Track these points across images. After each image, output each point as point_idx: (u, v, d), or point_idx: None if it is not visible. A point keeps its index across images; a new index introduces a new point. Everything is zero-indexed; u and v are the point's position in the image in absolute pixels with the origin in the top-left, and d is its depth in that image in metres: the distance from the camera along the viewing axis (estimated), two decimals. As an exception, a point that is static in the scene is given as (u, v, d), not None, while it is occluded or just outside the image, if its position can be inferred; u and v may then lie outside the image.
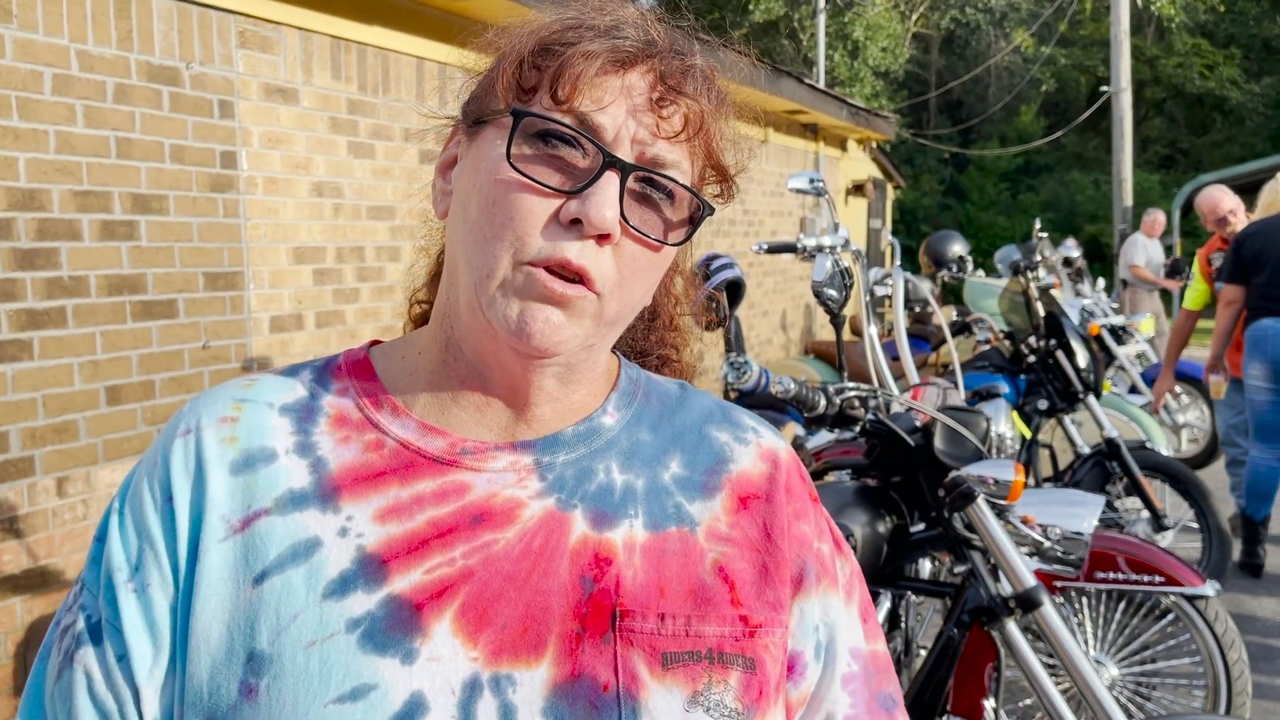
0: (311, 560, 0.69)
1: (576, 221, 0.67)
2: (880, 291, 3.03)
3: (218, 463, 0.71)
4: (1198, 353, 13.09)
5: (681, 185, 0.71)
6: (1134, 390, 5.62)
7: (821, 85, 10.76)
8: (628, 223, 0.69)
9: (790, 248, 2.58)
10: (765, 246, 2.72)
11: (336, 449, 0.73)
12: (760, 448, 0.82)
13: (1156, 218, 9.88)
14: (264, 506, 0.70)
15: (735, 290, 2.57)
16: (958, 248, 4.24)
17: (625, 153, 0.69)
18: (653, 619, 0.70)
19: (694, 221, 0.74)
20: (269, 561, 0.69)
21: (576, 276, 0.68)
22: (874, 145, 11.18)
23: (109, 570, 0.70)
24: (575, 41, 0.69)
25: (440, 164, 0.79)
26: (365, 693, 0.65)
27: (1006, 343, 4.23)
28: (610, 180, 0.67)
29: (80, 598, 0.72)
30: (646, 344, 0.93)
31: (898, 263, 2.93)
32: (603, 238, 0.68)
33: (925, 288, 2.99)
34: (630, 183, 0.70)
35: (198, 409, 0.75)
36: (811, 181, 2.52)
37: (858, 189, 10.47)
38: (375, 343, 0.83)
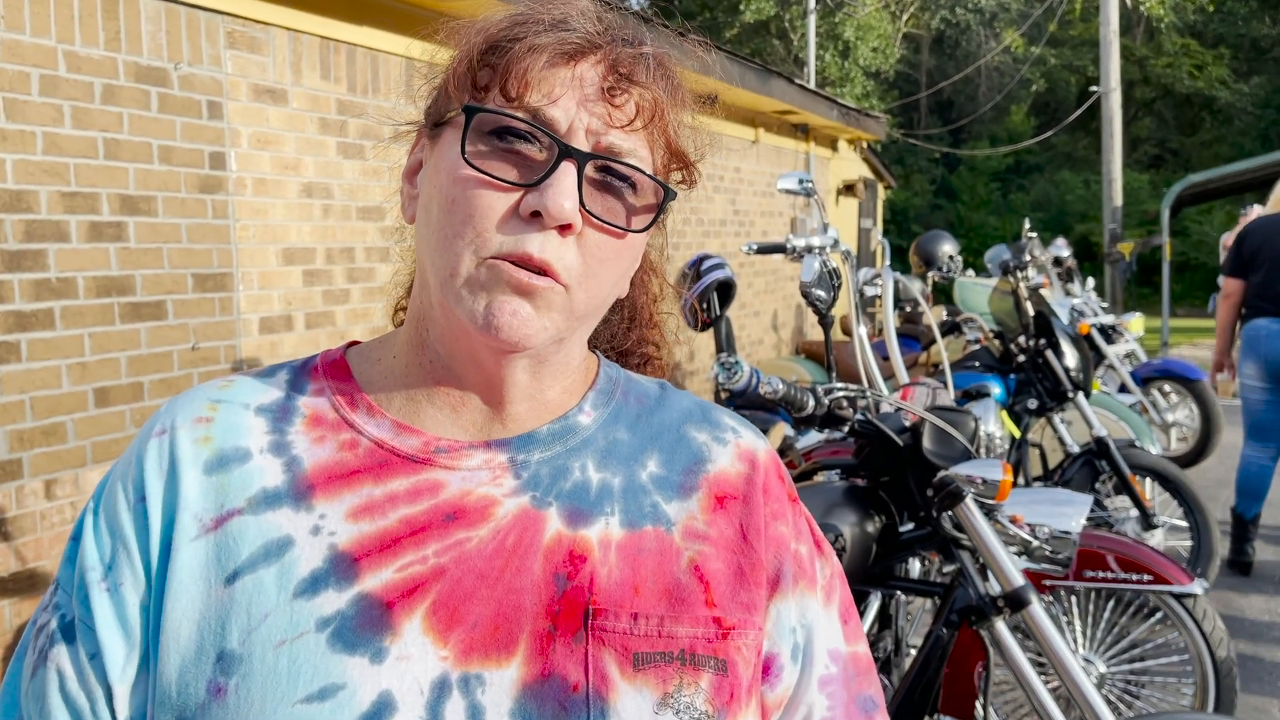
0: (283, 559, 0.68)
1: (537, 214, 0.67)
2: (870, 291, 3.03)
3: (191, 462, 0.71)
4: (1190, 352, 13.15)
5: (641, 171, 0.71)
6: (1123, 389, 5.63)
7: (812, 85, 10.78)
8: (589, 212, 0.69)
9: (780, 248, 2.59)
10: (755, 247, 2.73)
11: (311, 448, 0.73)
12: (739, 448, 0.81)
13: (1253, 214, 9.29)
14: (237, 506, 0.70)
15: (726, 290, 2.57)
16: (948, 247, 4.25)
17: (580, 143, 0.68)
18: (625, 618, 0.70)
19: (658, 208, 0.73)
20: (241, 561, 0.68)
21: (540, 271, 0.67)
22: (864, 145, 11.20)
23: (82, 570, 0.70)
24: (522, 36, 0.68)
25: (406, 170, 0.79)
26: (333, 692, 0.64)
27: (996, 342, 4.24)
28: (567, 170, 0.67)
29: (55, 597, 0.72)
30: (628, 343, 0.92)
31: (888, 263, 2.93)
32: (564, 228, 0.67)
33: (915, 287, 2.99)
34: (590, 172, 0.69)
35: (173, 410, 0.75)
36: (801, 182, 2.53)
37: (848, 189, 10.49)
38: (353, 344, 0.82)
